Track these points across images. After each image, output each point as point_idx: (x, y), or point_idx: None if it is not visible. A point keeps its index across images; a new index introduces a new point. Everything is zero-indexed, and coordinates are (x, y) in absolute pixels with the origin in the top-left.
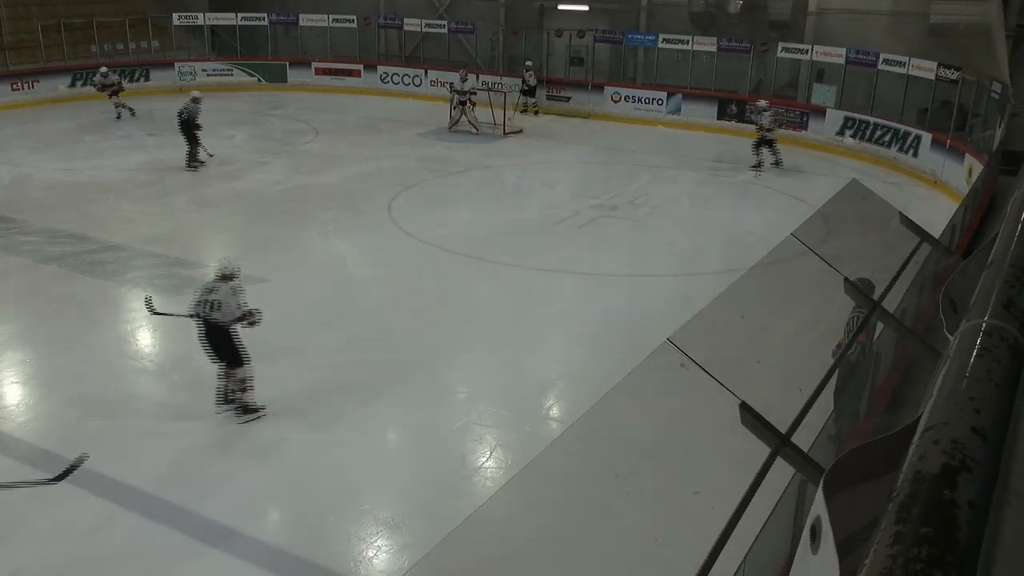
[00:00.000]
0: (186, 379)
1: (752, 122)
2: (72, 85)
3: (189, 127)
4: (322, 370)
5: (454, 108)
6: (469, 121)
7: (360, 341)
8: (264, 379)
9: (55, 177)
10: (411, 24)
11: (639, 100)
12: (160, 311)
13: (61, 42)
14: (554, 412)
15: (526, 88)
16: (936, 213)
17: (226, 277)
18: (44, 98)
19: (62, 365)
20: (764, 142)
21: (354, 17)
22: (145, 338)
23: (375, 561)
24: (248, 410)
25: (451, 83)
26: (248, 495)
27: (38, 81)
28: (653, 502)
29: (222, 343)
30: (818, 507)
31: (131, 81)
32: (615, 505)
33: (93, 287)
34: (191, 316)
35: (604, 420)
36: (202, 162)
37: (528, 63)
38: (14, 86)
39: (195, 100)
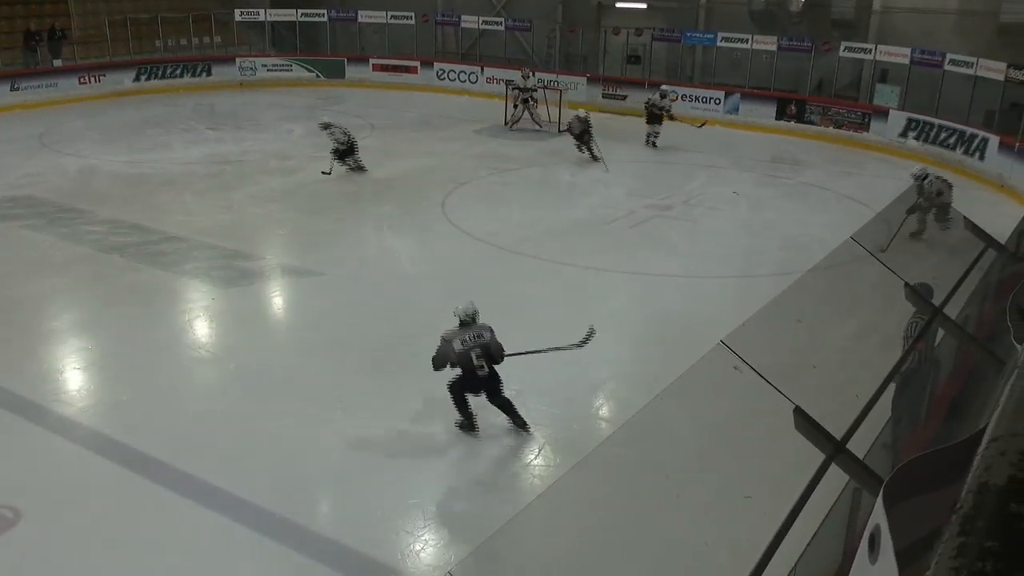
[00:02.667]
0: (242, 368)
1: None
2: (136, 79)
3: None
4: (374, 364)
5: (515, 105)
6: (532, 119)
7: (412, 336)
8: (318, 372)
9: (119, 169)
10: (468, 21)
11: (696, 99)
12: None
13: (127, 37)
14: (604, 412)
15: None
16: (1002, 218)
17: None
18: (109, 91)
19: (123, 353)
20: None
21: (412, 14)
22: (203, 328)
23: (422, 555)
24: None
25: (512, 80)
26: (298, 485)
27: (104, 75)
28: (703, 505)
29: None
30: (877, 516)
31: (193, 76)
32: (664, 507)
33: (154, 277)
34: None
35: (655, 421)
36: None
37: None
38: (81, 79)
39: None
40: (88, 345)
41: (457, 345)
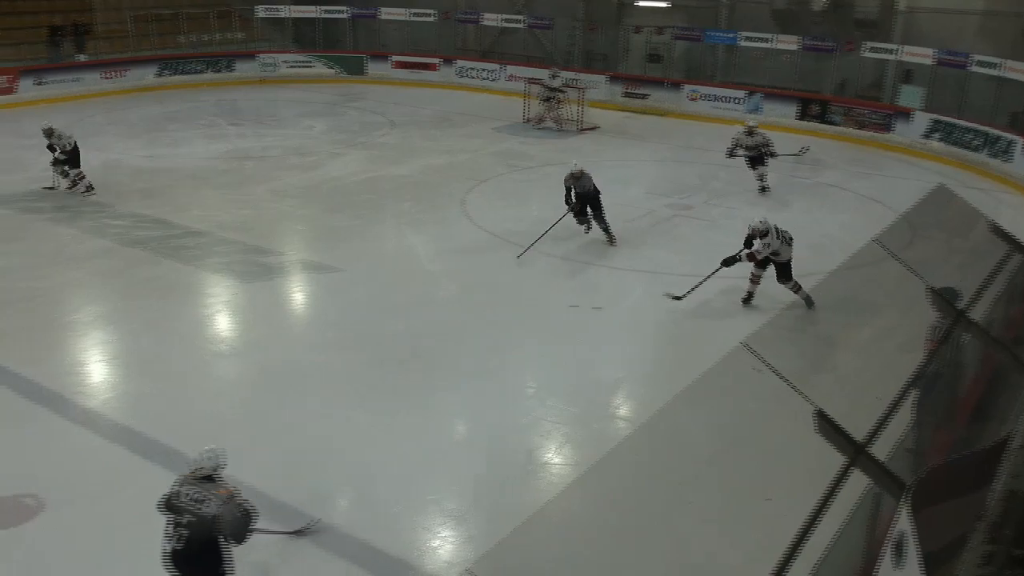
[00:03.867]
0: (261, 363)
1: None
2: (159, 74)
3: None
4: (391, 359)
5: (540, 104)
6: (555, 118)
7: (430, 333)
8: (337, 367)
9: (141, 164)
10: (489, 18)
11: (717, 98)
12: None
13: (150, 33)
14: (622, 411)
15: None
16: None
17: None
18: (132, 87)
19: (144, 346)
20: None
21: (433, 11)
22: (223, 322)
23: (440, 552)
24: None
25: (540, 79)
26: (317, 481)
27: (127, 70)
28: (722, 508)
29: None
30: (903, 522)
31: (215, 72)
32: (682, 508)
33: (175, 271)
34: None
35: (673, 422)
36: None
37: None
38: (105, 75)
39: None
40: (110, 338)
41: (171, 498)
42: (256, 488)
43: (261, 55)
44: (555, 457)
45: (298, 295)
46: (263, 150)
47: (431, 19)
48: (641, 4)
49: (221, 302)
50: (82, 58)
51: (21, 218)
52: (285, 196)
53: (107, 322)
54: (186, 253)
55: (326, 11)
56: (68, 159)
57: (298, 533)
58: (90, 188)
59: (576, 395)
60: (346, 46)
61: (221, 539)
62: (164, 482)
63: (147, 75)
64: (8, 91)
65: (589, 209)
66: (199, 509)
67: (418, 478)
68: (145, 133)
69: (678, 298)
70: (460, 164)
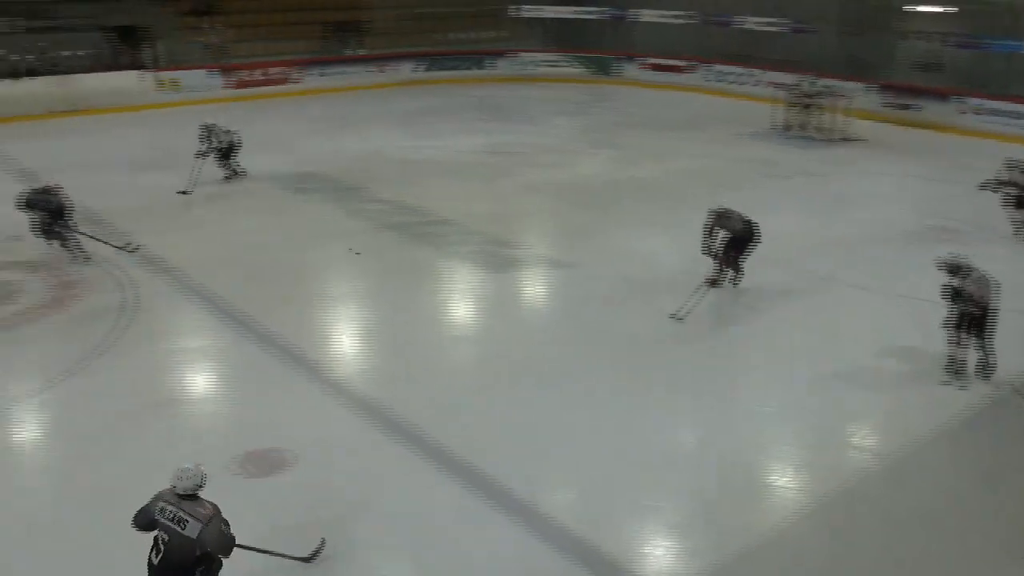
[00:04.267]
0: (496, 351)
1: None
2: (428, 69)
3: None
4: (624, 360)
5: (796, 111)
6: (810, 126)
7: (667, 336)
8: (565, 359)
9: (400, 153)
10: (744, 22)
11: (1001, 113)
12: None
13: (416, 31)
14: (868, 442)
15: None
16: None
17: None
18: (396, 80)
19: (391, 324)
20: None
21: (686, 13)
22: (464, 309)
23: (661, 560)
24: None
25: (795, 85)
26: (546, 473)
27: (396, 66)
28: (971, 559)
29: None
30: None
31: (473, 69)
32: (932, 552)
33: (424, 256)
34: None
35: (929, 461)
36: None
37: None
38: (378, 68)
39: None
40: (361, 314)
41: (154, 512)
42: (478, 469)
43: (521, 53)
44: (786, 480)
45: (538, 288)
46: (515, 146)
47: (683, 21)
48: (916, 9)
49: (464, 289)
50: (360, 51)
51: (289, 196)
52: (532, 192)
53: (359, 299)
54: (436, 240)
55: (582, 11)
56: (223, 152)
57: (308, 559)
58: (234, 174)
59: (814, 419)
60: (598, 46)
61: (205, 557)
62: (394, 455)
63: (413, 70)
64: (297, 80)
65: (728, 251)
66: (180, 529)
67: (642, 481)
68: (405, 125)
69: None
70: (707, 169)
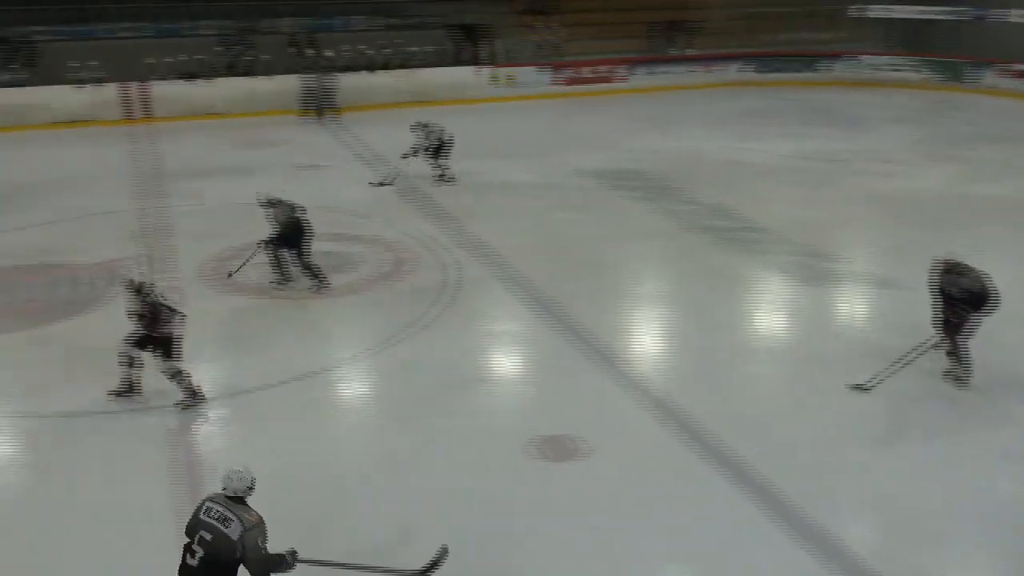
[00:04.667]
0: (803, 369)
1: None
2: (757, 70)
3: None
4: (959, 397)
5: None
6: None
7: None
8: (890, 389)
9: (718, 155)
10: None
11: None
12: None
13: (746, 30)
14: None
15: None
16: None
17: None
18: (726, 80)
19: (690, 327)
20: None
21: None
22: (767, 320)
23: None
24: None
25: None
26: (824, 490)
27: (725, 67)
28: None
29: None
30: None
31: (805, 72)
32: None
33: (735, 262)
34: None
35: None
36: None
37: None
38: (705, 68)
39: None
40: (662, 314)
41: (199, 512)
42: (769, 483)
43: (860, 56)
44: None
45: (856, 306)
46: (840, 153)
47: None
48: None
49: (774, 299)
50: (688, 51)
51: (608, 192)
52: (857, 202)
53: (661, 299)
54: (749, 245)
55: (941, 12)
56: (434, 150)
57: (424, 572)
58: (441, 177)
59: None
60: (950, 50)
61: (239, 566)
62: (682, 459)
63: (739, 70)
64: (623, 79)
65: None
66: (224, 528)
67: (942, 525)
68: (725, 126)
69: None
70: None
